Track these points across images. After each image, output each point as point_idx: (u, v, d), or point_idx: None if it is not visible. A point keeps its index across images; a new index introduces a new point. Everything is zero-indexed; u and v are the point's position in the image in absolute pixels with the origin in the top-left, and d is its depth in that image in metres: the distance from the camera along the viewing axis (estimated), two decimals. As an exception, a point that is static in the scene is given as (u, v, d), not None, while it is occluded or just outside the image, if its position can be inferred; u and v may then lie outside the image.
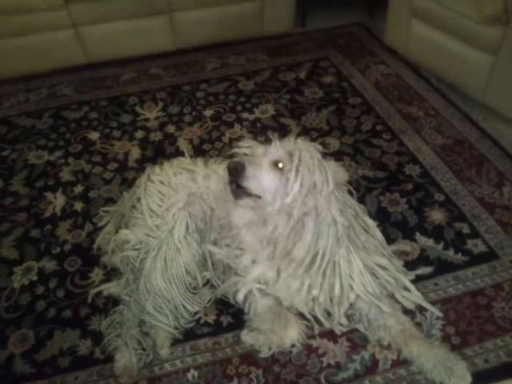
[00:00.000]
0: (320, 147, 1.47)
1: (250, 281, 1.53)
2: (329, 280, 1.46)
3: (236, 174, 1.35)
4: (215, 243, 1.65)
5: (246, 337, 1.54)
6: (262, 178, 1.37)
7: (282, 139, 1.46)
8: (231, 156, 1.55)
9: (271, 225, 1.44)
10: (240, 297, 1.56)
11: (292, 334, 1.51)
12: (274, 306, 1.55)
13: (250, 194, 1.38)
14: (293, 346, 1.52)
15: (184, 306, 1.60)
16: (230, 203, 1.51)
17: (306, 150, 1.40)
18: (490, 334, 1.54)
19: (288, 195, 1.37)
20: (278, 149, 1.41)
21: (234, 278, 1.59)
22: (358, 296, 1.50)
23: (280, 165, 1.39)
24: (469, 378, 1.40)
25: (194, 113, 2.64)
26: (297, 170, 1.37)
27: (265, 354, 1.52)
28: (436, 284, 1.69)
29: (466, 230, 1.88)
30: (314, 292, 1.47)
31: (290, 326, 1.51)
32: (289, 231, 1.42)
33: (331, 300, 1.50)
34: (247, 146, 1.49)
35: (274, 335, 1.50)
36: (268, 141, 1.48)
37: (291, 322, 1.52)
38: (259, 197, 1.39)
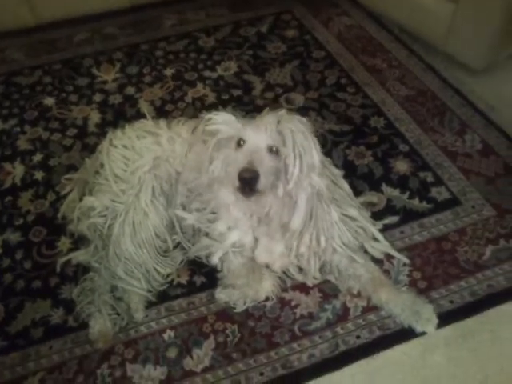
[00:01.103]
0: (305, 120, 1.45)
1: (227, 246, 1.54)
2: (316, 235, 1.49)
3: (250, 181, 1.31)
4: (184, 207, 1.63)
5: (220, 294, 1.56)
6: (267, 174, 1.34)
7: (263, 114, 1.44)
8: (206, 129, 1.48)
9: (265, 204, 1.43)
10: (215, 260, 1.58)
11: (267, 287, 1.54)
12: (247, 262, 1.56)
13: (259, 192, 1.35)
14: (267, 298, 1.55)
15: (156, 269, 1.59)
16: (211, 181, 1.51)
17: (298, 131, 1.37)
18: (454, 277, 1.61)
19: (289, 181, 1.37)
20: (269, 132, 1.36)
21: (205, 241, 1.59)
22: (334, 249, 1.54)
23: (274, 148, 1.37)
24: (435, 320, 1.46)
25: (153, 73, 2.55)
26: (294, 155, 1.36)
27: (240, 308, 1.54)
28: (402, 232, 1.74)
29: (429, 178, 1.92)
30: (302, 249, 1.51)
31: (265, 279, 1.54)
32: (283, 208, 1.44)
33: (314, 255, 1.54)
34: (222, 121, 1.43)
35: (249, 289, 1.52)
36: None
37: (265, 275, 1.55)
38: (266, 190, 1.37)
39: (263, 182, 1.33)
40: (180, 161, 1.63)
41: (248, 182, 1.31)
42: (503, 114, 2.18)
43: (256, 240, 1.54)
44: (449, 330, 1.49)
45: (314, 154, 1.39)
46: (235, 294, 1.54)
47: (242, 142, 1.38)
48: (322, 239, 1.50)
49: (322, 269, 1.60)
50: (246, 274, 1.54)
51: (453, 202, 1.83)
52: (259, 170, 1.31)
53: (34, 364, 1.48)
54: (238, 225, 1.53)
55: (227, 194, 1.47)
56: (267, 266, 1.58)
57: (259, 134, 1.37)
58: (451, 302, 1.54)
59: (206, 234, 1.60)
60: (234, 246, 1.55)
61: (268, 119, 1.39)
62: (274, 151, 1.37)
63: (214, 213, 1.57)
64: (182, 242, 1.66)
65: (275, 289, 1.56)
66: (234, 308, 1.54)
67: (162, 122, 1.73)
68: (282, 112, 1.44)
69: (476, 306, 1.53)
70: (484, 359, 1.43)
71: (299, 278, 1.60)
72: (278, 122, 1.38)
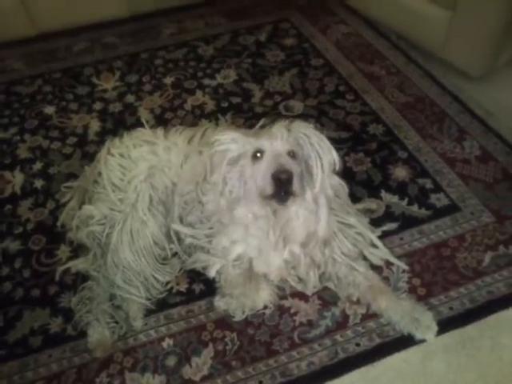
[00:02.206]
0: (312, 125, 1.46)
1: (230, 260, 1.53)
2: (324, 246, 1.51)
3: (285, 182, 1.30)
4: (181, 219, 1.62)
5: (219, 303, 1.55)
6: (296, 176, 1.33)
7: (274, 125, 1.44)
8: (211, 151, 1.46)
9: (290, 216, 1.43)
10: (212, 273, 1.57)
11: (264, 296, 1.54)
12: (244, 271, 1.56)
13: (292, 194, 1.34)
14: (265, 307, 1.55)
15: (155, 277, 1.60)
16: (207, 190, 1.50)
17: (312, 133, 1.39)
18: (453, 283, 1.60)
19: (315, 183, 1.38)
20: (285, 138, 1.37)
21: (202, 256, 1.58)
22: (334, 259, 1.55)
23: (292, 153, 1.37)
24: (435, 328, 1.46)
25: (153, 81, 2.56)
26: (314, 155, 1.37)
27: (239, 317, 1.54)
28: (401, 239, 1.74)
29: (428, 185, 1.92)
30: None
31: (262, 288, 1.54)
32: (310, 216, 1.44)
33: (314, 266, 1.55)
34: (230, 140, 1.42)
35: (246, 299, 1.52)
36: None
37: (262, 284, 1.54)
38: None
39: (296, 184, 1.32)
40: (176, 171, 1.62)
41: (283, 184, 1.30)
42: (501, 120, 2.18)
43: (260, 251, 1.52)
44: (448, 336, 1.48)
45: (333, 151, 1.40)
46: (233, 303, 1.53)
47: (258, 154, 1.37)
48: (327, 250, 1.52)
49: (321, 277, 1.60)
50: (242, 284, 1.54)
51: (452, 209, 1.83)
52: (293, 171, 1.31)
53: (32, 373, 1.48)
54: (247, 239, 1.51)
55: (245, 213, 1.45)
56: (264, 276, 1.57)
57: (275, 141, 1.36)
58: (451, 308, 1.54)
59: (202, 248, 1.60)
60: (237, 260, 1.54)
61: (278, 128, 1.40)
62: (292, 156, 1.37)
63: (211, 228, 1.56)
64: (179, 252, 1.66)
65: (272, 298, 1.55)
66: (233, 316, 1.54)
67: (160, 131, 1.73)
68: (287, 121, 1.44)
69: (475, 313, 1.53)
70: (483, 366, 1.42)
71: (298, 287, 1.59)
72: (289, 130, 1.39)
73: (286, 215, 1.44)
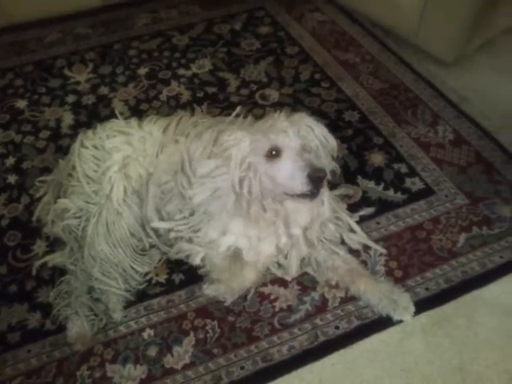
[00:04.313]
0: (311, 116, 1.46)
1: (221, 252, 1.52)
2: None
3: (320, 180, 1.31)
4: (157, 210, 1.60)
5: (208, 290, 1.56)
6: None
7: (275, 119, 1.42)
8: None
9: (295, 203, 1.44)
10: (197, 261, 1.56)
11: (250, 275, 1.55)
12: (227, 255, 1.56)
13: (322, 188, 1.36)
14: (253, 286, 1.57)
15: (133, 268, 1.58)
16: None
17: (313, 124, 1.40)
18: (429, 265, 1.64)
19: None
20: (296, 132, 1.36)
21: (185, 246, 1.56)
22: (322, 241, 1.58)
23: (304, 148, 1.37)
24: (412, 309, 1.49)
25: (127, 72, 2.53)
26: (322, 147, 1.39)
27: (230, 300, 1.54)
28: (378, 223, 1.76)
29: (404, 169, 1.95)
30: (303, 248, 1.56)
31: (246, 268, 1.54)
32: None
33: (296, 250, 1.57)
34: (235, 140, 1.38)
35: (234, 282, 1.52)
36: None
37: (246, 264, 1.54)
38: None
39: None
40: (151, 161, 1.60)
41: (319, 182, 1.31)
42: (474, 105, 2.22)
43: (249, 240, 1.52)
44: (425, 316, 1.51)
45: (332, 138, 1.42)
46: (222, 288, 1.54)
47: (273, 152, 1.35)
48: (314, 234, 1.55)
49: (300, 262, 1.61)
50: (228, 267, 1.53)
51: (427, 192, 1.86)
52: (325, 168, 1.33)
53: (11, 369, 1.46)
54: (246, 231, 1.50)
55: (258, 208, 1.43)
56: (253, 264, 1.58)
57: (289, 137, 1.35)
58: (427, 289, 1.57)
59: (184, 238, 1.58)
60: (228, 250, 1.53)
61: (283, 122, 1.38)
62: (305, 150, 1.37)
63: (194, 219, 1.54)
64: (159, 245, 1.64)
65: (258, 275, 1.56)
66: (224, 301, 1.54)
67: (134, 121, 1.70)
68: (283, 113, 1.44)
69: (451, 293, 1.56)
70: (460, 344, 1.46)
71: (278, 273, 1.61)
72: (291, 123, 1.38)
73: (294, 205, 1.45)
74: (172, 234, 1.57)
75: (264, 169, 1.36)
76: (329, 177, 1.44)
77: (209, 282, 1.58)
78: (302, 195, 1.33)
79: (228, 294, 1.54)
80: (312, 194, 1.33)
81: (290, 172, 1.32)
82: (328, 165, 1.43)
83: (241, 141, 1.37)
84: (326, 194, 1.51)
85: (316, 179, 1.30)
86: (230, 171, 1.37)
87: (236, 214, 1.45)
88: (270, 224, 1.47)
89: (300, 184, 1.31)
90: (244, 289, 1.56)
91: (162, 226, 1.58)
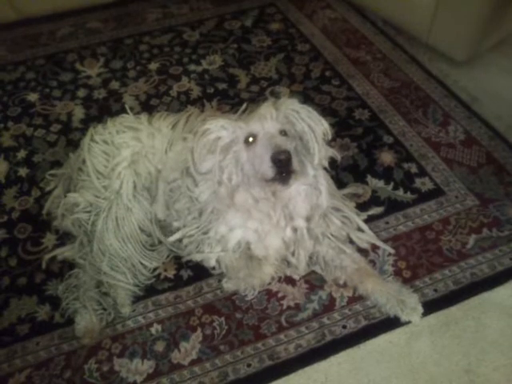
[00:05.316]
0: (297, 100, 1.45)
1: (230, 248, 1.53)
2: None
3: (286, 163, 1.29)
4: (167, 207, 1.61)
5: (228, 284, 1.56)
6: (293, 154, 1.32)
7: (261, 106, 1.42)
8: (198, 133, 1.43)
9: (289, 192, 1.44)
10: (212, 263, 1.57)
11: (269, 271, 1.55)
12: (242, 254, 1.56)
13: (293, 173, 1.34)
14: (273, 279, 1.57)
15: (142, 263, 1.59)
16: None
17: (299, 107, 1.39)
18: (438, 266, 1.63)
19: (313, 157, 1.38)
20: (274, 117, 1.36)
21: (199, 257, 1.57)
22: (328, 237, 1.58)
23: (284, 132, 1.37)
24: (420, 310, 1.48)
25: (138, 67, 2.53)
26: (309, 130, 1.37)
27: (252, 295, 1.55)
28: (387, 223, 1.76)
29: (413, 169, 1.94)
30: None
31: (264, 264, 1.54)
32: (312, 190, 1.47)
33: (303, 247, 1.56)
34: (219, 127, 1.39)
35: (253, 278, 1.53)
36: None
37: (262, 260, 1.54)
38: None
39: (295, 162, 1.32)
40: (160, 158, 1.61)
41: (284, 165, 1.29)
42: (485, 105, 2.20)
43: (257, 233, 1.52)
44: (433, 318, 1.51)
45: (323, 121, 1.41)
46: (241, 284, 1.54)
47: (251, 139, 1.36)
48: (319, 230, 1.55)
49: (308, 260, 1.61)
50: (245, 265, 1.54)
51: (436, 192, 1.85)
52: (291, 150, 1.31)
53: (20, 361, 1.48)
54: (247, 223, 1.51)
55: (245, 197, 1.44)
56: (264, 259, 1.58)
57: (265, 122, 1.35)
58: (435, 290, 1.56)
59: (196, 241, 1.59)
60: (236, 246, 1.54)
61: (265, 108, 1.39)
62: (285, 135, 1.37)
63: (203, 219, 1.55)
64: (169, 247, 1.64)
65: (277, 269, 1.57)
66: (246, 296, 1.56)
67: (143, 117, 1.71)
68: (272, 99, 1.44)
69: (460, 294, 1.55)
70: (467, 346, 1.45)
71: (287, 271, 1.61)
72: (276, 108, 1.39)
73: (287, 194, 1.45)
74: (185, 241, 1.58)
75: (246, 156, 1.37)
76: (323, 163, 1.44)
77: (228, 277, 1.58)
78: (273, 179, 1.33)
79: (248, 290, 1.55)
80: (281, 179, 1.32)
81: (258, 156, 1.33)
82: (319, 149, 1.39)
83: (222, 128, 1.39)
84: (323, 183, 1.49)
85: (278, 161, 1.28)
86: (213, 159, 1.38)
87: (229, 205, 1.46)
88: (266, 215, 1.47)
89: (264, 168, 1.31)
90: (264, 284, 1.57)
91: (175, 237, 1.59)
